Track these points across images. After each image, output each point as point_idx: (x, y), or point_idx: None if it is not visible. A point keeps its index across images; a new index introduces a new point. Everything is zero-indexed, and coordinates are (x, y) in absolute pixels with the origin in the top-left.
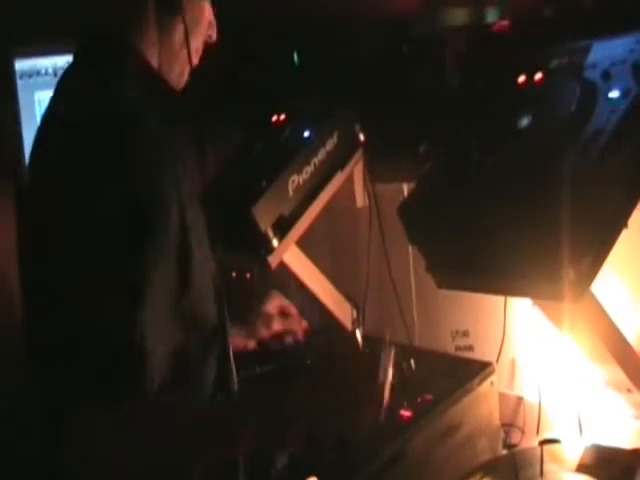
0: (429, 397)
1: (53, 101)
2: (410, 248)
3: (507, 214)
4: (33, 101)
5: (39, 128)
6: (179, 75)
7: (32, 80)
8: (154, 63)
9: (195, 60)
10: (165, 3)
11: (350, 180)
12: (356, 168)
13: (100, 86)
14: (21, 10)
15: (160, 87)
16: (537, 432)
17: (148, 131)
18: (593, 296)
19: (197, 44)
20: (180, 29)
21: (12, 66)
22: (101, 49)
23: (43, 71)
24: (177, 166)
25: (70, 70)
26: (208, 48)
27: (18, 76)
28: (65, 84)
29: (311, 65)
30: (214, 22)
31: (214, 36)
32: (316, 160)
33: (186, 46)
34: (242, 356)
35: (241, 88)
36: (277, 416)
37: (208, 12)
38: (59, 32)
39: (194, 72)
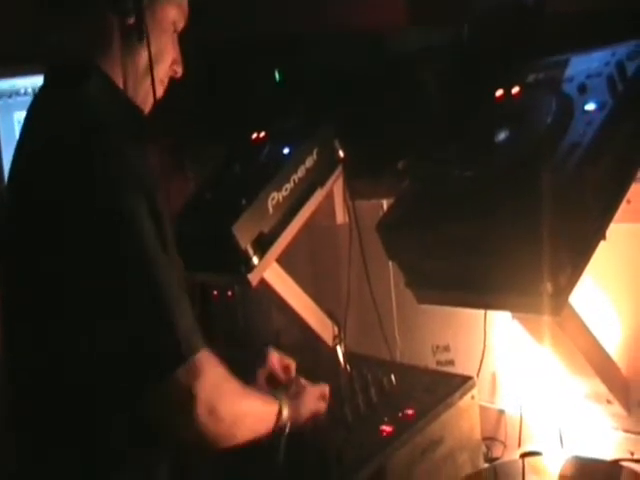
0: (410, 412)
1: (24, 124)
2: (390, 264)
3: (485, 228)
4: (12, 121)
5: (15, 149)
6: (142, 102)
7: (11, 100)
8: (119, 84)
9: (159, 91)
10: (130, 30)
11: (330, 197)
12: (336, 185)
13: (67, 105)
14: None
15: (125, 105)
16: (519, 445)
17: (115, 146)
18: (572, 308)
19: (162, 75)
20: (145, 56)
21: None
22: (67, 70)
23: (22, 91)
24: (146, 180)
25: (39, 93)
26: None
27: None
28: (34, 107)
29: (292, 82)
30: (179, 59)
31: (179, 72)
32: (296, 177)
33: (150, 75)
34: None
35: (222, 105)
36: None
37: (173, 47)
38: (38, 52)
39: (174, 88)
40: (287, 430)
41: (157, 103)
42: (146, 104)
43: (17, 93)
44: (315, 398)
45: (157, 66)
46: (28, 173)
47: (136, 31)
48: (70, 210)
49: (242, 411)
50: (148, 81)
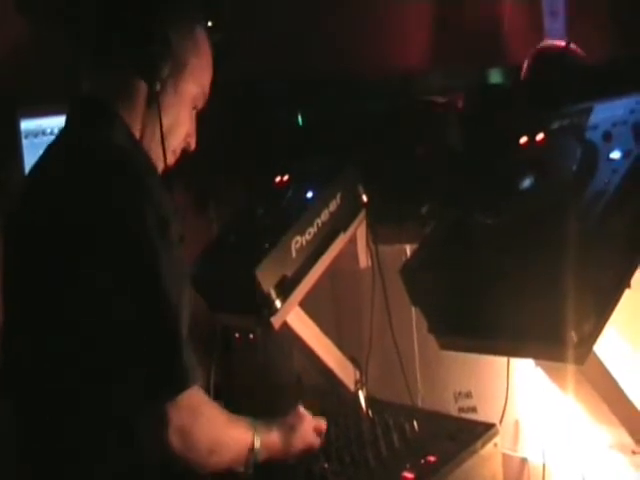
0: (432, 459)
1: (44, 154)
2: (413, 309)
3: (509, 276)
4: None
5: (27, 175)
6: (155, 161)
7: (37, 139)
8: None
9: (171, 159)
10: (154, 97)
11: (353, 241)
12: (359, 229)
13: (90, 136)
14: (26, 72)
15: (144, 155)
16: None
17: (136, 176)
18: (596, 357)
19: (175, 145)
20: (164, 123)
21: (18, 126)
22: (92, 111)
23: (48, 130)
24: (161, 212)
25: (61, 131)
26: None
27: (24, 135)
28: (54, 141)
29: (314, 126)
30: (194, 134)
31: (192, 145)
32: (319, 221)
33: (161, 145)
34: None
35: (245, 148)
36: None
37: (190, 122)
38: (64, 93)
39: (200, 132)
40: (258, 461)
41: (167, 171)
42: (158, 164)
43: (43, 133)
44: (311, 431)
45: (172, 135)
46: (47, 199)
47: (159, 99)
48: (90, 236)
49: (219, 440)
50: (160, 147)
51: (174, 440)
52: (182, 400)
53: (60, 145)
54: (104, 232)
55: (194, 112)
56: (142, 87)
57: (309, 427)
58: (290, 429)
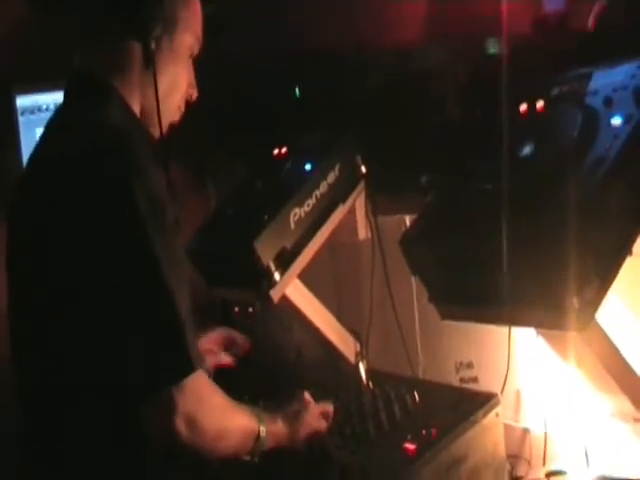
0: (434, 430)
1: (43, 135)
2: (413, 280)
3: (509, 243)
4: (35, 137)
5: (29, 158)
6: (157, 125)
7: (34, 116)
8: (136, 109)
9: (176, 116)
10: (148, 60)
11: (352, 212)
12: (358, 200)
13: (84, 116)
14: (21, 48)
15: (140, 129)
16: (543, 464)
17: (129, 158)
18: (598, 325)
19: (179, 101)
20: (165, 83)
21: (14, 102)
22: (87, 87)
23: (44, 107)
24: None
25: (59, 109)
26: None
27: (20, 112)
28: (54, 122)
29: (312, 98)
30: (194, 83)
31: (194, 95)
32: (318, 193)
33: (166, 101)
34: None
35: (243, 121)
36: None
37: (189, 72)
38: (59, 68)
39: (197, 106)
40: (264, 449)
41: (173, 128)
42: (165, 126)
43: (39, 109)
44: (316, 416)
45: (174, 92)
46: (42, 184)
47: (155, 59)
48: (85, 222)
49: (225, 427)
50: (165, 106)
51: (181, 426)
52: (187, 385)
53: (55, 126)
54: (97, 220)
55: (191, 61)
56: (136, 50)
57: (314, 413)
58: (295, 416)
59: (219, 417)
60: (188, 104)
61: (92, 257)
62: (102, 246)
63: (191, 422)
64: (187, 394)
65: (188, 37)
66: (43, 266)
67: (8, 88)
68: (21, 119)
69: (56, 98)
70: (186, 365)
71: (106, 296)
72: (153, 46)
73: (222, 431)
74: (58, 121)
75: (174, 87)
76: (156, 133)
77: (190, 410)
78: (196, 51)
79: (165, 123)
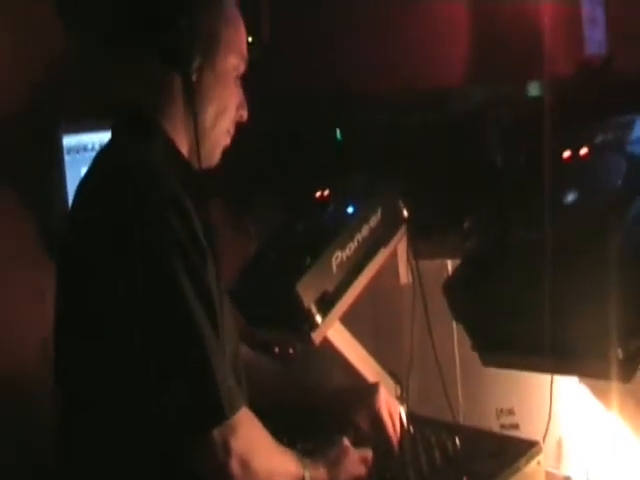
0: (475, 477)
1: (88, 170)
2: (454, 325)
3: (553, 292)
4: (80, 176)
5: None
6: (209, 153)
7: (79, 155)
8: (183, 145)
9: (227, 139)
10: (191, 91)
11: (393, 256)
12: (399, 244)
13: (127, 148)
14: (68, 88)
15: (183, 165)
16: None
17: (162, 205)
18: None
19: (229, 125)
20: (209, 112)
21: (60, 142)
22: (132, 125)
23: (90, 146)
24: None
25: (105, 147)
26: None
27: (65, 151)
28: (98, 155)
29: (354, 141)
30: (244, 102)
31: (245, 116)
32: (360, 236)
33: (214, 130)
34: None
35: (285, 163)
36: None
37: (237, 92)
38: (105, 108)
39: (239, 147)
40: None
41: (225, 151)
42: (213, 156)
43: (84, 149)
44: (356, 463)
45: (224, 117)
46: (86, 227)
47: (198, 89)
48: (117, 271)
49: (275, 469)
50: (212, 137)
51: (235, 468)
52: (237, 423)
53: (99, 165)
54: (130, 261)
55: (238, 80)
56: (177, 83)
57: (354, 459)
58: (335, 462)
59: (269, 459)
60: (238, 124)
61: (121, 297)
62: (130, 288)
63: (244, 463)
64: (239, 434)
65: (232, 58)
66: (84, 301)
67: (54, 128)
68: (67, 158)
69: (101, 138)
70: (223, 406)
71: (133, 338)
72: (194, 78)
73: (272, 473)
74: (100, 161)
75: (223, 112)
76: (201, 165)
77: (243, 451)
78: (242, 70)
79: (216, 151)
